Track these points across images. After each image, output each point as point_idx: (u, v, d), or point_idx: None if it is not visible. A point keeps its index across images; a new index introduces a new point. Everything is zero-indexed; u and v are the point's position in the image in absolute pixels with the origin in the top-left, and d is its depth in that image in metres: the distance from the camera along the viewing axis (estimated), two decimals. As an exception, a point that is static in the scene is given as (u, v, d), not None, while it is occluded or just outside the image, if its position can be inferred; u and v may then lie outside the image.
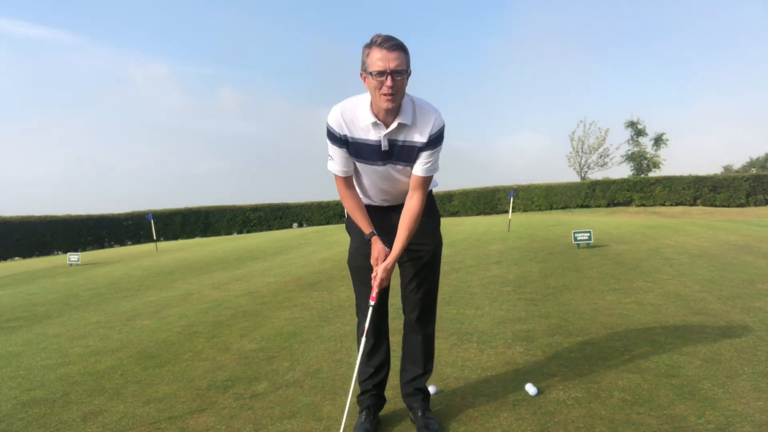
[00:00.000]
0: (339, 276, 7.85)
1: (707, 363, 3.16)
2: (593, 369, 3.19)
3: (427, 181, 2.40)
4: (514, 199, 33.38)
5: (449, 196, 37.13)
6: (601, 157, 42.90)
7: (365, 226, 2.48)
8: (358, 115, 2.32)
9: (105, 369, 3.88)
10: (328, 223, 36.88)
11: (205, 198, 78.09)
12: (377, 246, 2.44)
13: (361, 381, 2.67)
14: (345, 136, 2.35)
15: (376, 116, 2.30)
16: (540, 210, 34.69)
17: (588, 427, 2.45)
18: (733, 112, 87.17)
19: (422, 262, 2.56)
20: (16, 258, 26.44)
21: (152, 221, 19.46)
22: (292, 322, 5.05)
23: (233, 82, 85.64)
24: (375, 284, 2.41)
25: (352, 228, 2.63)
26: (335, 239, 15.48)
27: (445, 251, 6.82)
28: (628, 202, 33.89)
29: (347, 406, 2.34)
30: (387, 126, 2.31)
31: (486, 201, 36.19)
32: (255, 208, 37.86)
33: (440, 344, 3.76)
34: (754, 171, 45.29)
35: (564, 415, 2.59)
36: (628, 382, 2.94)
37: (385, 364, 2.67)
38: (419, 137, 2.32)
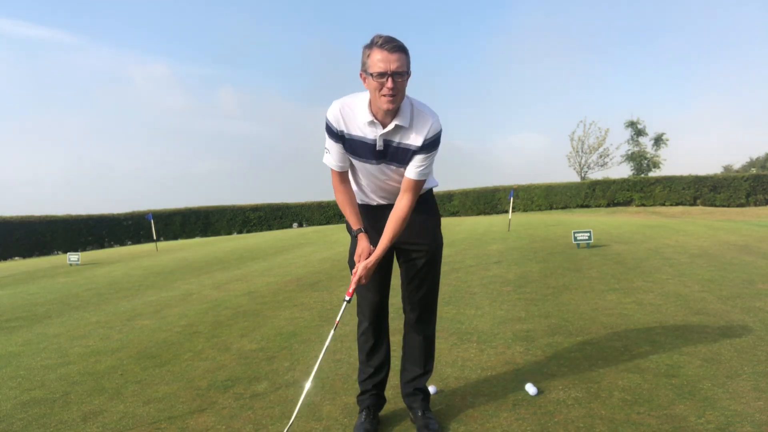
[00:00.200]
0: (339, 276, 7.85)
1: (707, 363, 3.16)
2: (593, 369, 3.19)
3: (418, 184, 2.39)
4: (514, 199, 33.37)
5: (449, 196, 37.13)
6: (601, 157, 42.92)
7: (354, 222, 2.50)
8: (357, 112, 2.33)
9: (105, 369, 3.88)
10: (328, 223, 36.88)
11: (205, 198, 78.08)
12: (362, 243, 2.46)
13: (361, 381, 2.67)
14: (342, 131, 2.36)
15: (374, 116, 2.30)
16: (540, 210, 34.69)
17: (588, 427, 2.45)
18: (733, 112, 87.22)
19: (422, 262, 2.56)
20: (16, 258, 26.44)
21: (152, 221, 19.46)
22: (292, 322, 5.05)
23: (233, 82, 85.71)
24: (353, 280, 2.42)
25: None
26: (335, 239, 15.48)
27: (445, 251, 6.78)
28: (628, 202, 33.89)
29: (305, 391, 2.34)
30: (384, 126, 2.31)
31: (486, 201, 36.19)
32: (255, 208, 37.86)
33: (440, 344, 3.76)
34: (754, 171, 45.28)
35: (564, 415, 2.59)
36: (628, 382, 2.94)
37: (385, 364, 2.67)
38: (414, 140, 2.32)
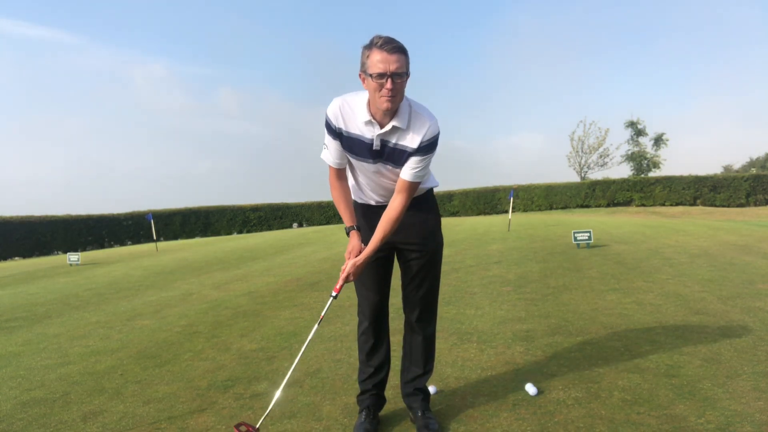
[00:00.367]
0: (339, 276, 7.84)
1: (707, 363, 3.16)
2: (593, 369, 3.19)
3: (413, 185, 2.38)
4: (514, 199, 33.38)
5: (449, 196, 37.13)
6: (601, 157, 42.92)
7: (347, 220, 2.51)
8: (356, 111, 2.33)
9: (105, 369, 3.88)
10: (328, 223, 36.88)
11: (205, 198, 78.14)
12: (353, 241, 2.47)
13: (361, 381, 2.67)
14: (340, 129, 2.37)
15: (373, 116, 2.30)
16: (540, 210, 34.70)
17: (588, 427, 2.45)
18: (732, 112, 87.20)
19: (423, 262, 2.56)
20: (16, 258, 26.45)
21: (152, 221, 19.46)
22: (292, 322, 5.05)
23: (232, 82, 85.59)
24: (341, 277, 2.43)
25: None
26: (335, 239, 15.48)
27: (445, 251, 6.77)
28: (628, 202, 33.89)
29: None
30: (382, 126, 2.31)
31: (486, 201, 36.20)
32: (255, 208, 37.86)
33: (440, 344, 3.76)
34: (754, 171, 45.27)
35: (564, 415, 2.59)
36: (628, 382, 2.94)
37: (385, 364, 2.67)
38: (411, 142, 2.32)
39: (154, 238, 21.77)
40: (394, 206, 2.39)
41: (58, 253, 28.10)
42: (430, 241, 2.57)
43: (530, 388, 2.88)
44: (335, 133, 2.39)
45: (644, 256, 8.00)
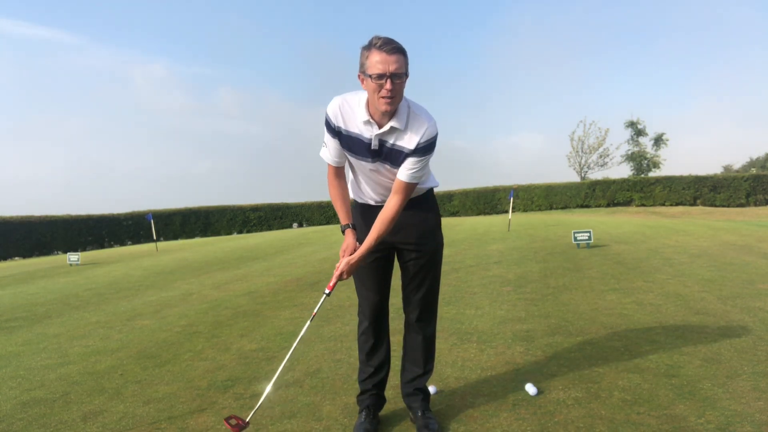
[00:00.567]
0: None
1: (707, 363, 3.16)
2: (593, 369, 3.19)
3: (409, 186, 2.38)
4: (514, 199, 33.37)
5: (449, 196, 37.13)
6: (601, 157, 42.93)
7: (343, 218, 2.52)
8: (356, 110, 2.34)
9: (105, 369, 3.88)
10: (328, 223, 36.88)
11: (205, 198, 78.13)
12: (348, 239, 2.48)
13: (361, 381, 2.67)
14: (339, 128, 2.38)
15: (371, 116, 2.31)
16: (540, 210, 34.69)
17: (588, 427, 2.45)
18: (733, 112, 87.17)
19: (423, 262, 2.56)
20: (16, 258, 26.45)
21: (152, 221, 19.46)
22: (292, 322, 5.05)
23: (232, 82, 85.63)
24: (335, 275, 2.43)
25: None
26: (335, 239, 15.48)
27: (445, 251, 6.73)
28: (628, 202, 33.89)
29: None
30: (380, 127, 2.31)
31: (486, 201, 36.20)
32: (255, 208, 37.86)
33: (440, 344, 3.76)
34: (754, 171, 45.26)
35: (564, 415, 2.59)
36: (628, 382, 2.94)
37: (385, 364, 2.67)
38: (408, 143, 2.32)
39: (154, 238, 21.77)
40: (390, 206, 2.39)
41: (58, 253, 28.10)
42: (430, 241, 2.57)
43: (530, 388, 2.88)
44: (334, 131, 2.39)
45: (644, 256, 8.00)
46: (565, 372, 3.17)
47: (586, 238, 9.35)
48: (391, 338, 2.75)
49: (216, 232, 35.84)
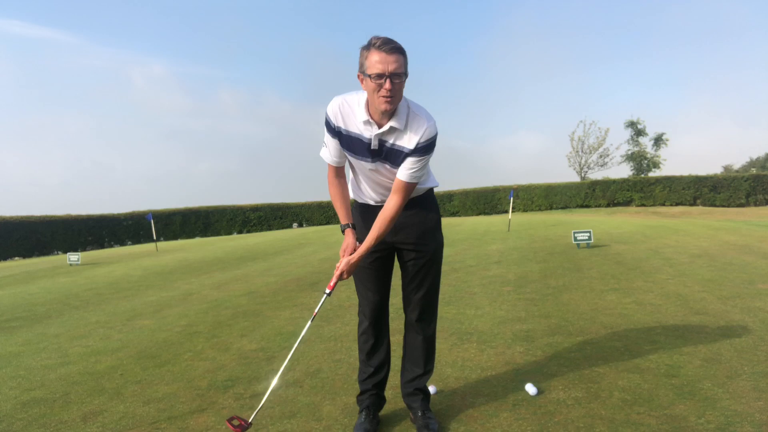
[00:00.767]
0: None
1: (707, 363, 3.16)
2: (593, 369, 3.19)
3: (409, 186, 2.38)
4: (514, 199, 33.39)
5: (449, 196, 37.13)
6: (601, 157, 42.94)
7: (342, 217, 2.53)
8: (356, 110, 2.34)
9: (105, 369, 3.88)
10: (328, 223, 36.88)
11: (205, 198, 78.13)
12: (348, 239, 2.49)
13: (361, 380, 2.67)
14: (339, 128, 2.38)
15: (371, 116, 2.31)
16: (540, 210, 34.69)
17: (588, 427, 2.45)
18: (733, 112, 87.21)
19: (423, 262, 2.57)
20: (16, 258, 26.45)
21: (152, 221, 19.45)
22: (292, 322, 5.05)
23: (233, 82, 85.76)
24: (335, 274, 2.44)
25: None
26: (335, 239, 15.48)
27: (445, 251, 6.76)
28: (628, 202, 33.89)
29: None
30: (380, 127, 2.32)
31: (486, 201, 36.20)
32: (255, 208, 37.86)
33: (440, 344, 3.76)
34: (754, 171, 45.27)
35: (564, 415, 2.59)
36: (628, 382, 2.94)
37: (385, 364, 2.67)
38: (408, 143, 2.32)
39: (154, 238, 21.77)
40: (390, 206, 2.39)
41: (58, 253, 28.10)
42: (430, 241, 2.57)
43: (530, 388, 2.88)
44: (334, 131, 2.39)
45: (644, 256, 8.00)
46: (565, 372, 3.17)
47: (586, 238, 9.35)
48: (391, 338, 2.76)
49: (216, 232, 35.83)
